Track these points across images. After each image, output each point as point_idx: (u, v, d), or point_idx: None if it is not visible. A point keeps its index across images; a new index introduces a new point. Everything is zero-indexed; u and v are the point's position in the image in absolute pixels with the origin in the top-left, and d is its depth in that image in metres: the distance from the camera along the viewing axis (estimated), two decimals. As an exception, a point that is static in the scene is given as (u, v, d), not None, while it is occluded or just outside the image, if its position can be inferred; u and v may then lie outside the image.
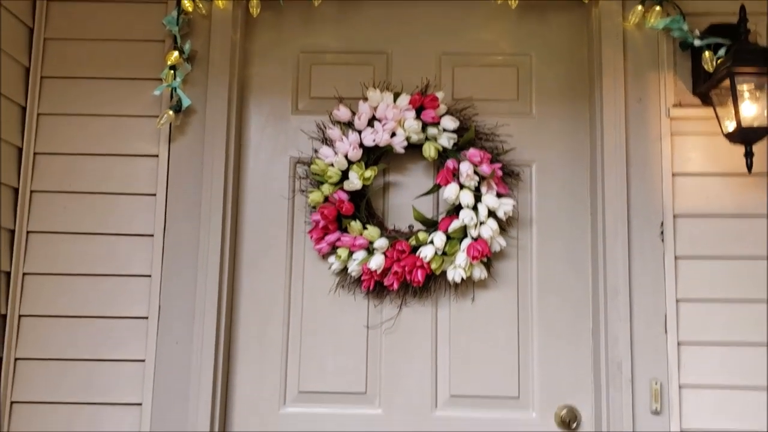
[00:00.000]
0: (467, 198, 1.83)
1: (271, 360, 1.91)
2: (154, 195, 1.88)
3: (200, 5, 1.90)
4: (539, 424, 1.86)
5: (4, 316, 1.84)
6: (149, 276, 1.86)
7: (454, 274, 1.85)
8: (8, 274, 1.85)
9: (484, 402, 1.88)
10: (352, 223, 1.86)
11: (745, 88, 1.70)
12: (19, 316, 1.84)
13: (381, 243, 1.84)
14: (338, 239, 1.87)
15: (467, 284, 1.91)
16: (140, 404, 1.81)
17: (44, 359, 1.83)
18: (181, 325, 1.83)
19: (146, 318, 1.84)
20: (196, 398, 1.80)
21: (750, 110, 1.69)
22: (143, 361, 1.83)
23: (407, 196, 1.94)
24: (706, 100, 1.83)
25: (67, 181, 1.89)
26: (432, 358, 1.90)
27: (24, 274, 1.86)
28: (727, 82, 1.70)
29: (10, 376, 1.82)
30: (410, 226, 1.91)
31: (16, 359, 1.83)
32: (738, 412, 1.77)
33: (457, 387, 1.89)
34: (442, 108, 1.88)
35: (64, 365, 1.83)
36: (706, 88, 1.80)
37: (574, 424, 1.85)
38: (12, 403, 1.82)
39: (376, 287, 1.89)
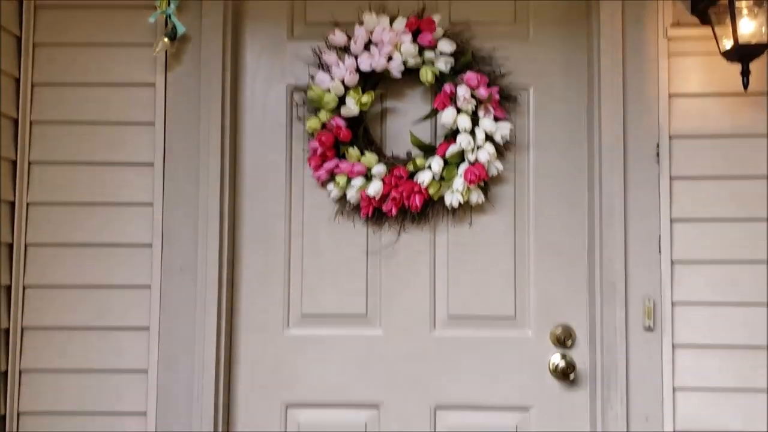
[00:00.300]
0: (464, 122, 1.83)
1: (274, 284, 1.95)
2: (153, 124, 1.89)
3: (192, -71, 1.88)
4: (535, 342, 1.92)
5: (11, 245, 1.88)
6: (151, 204, 1.88)
7: (452, 198, 1.87)
8: (12, 204, 1.88)
9: (481, 322, 1.94)
10: (350, 149, 1.87)
11: (743, 4, 1.68)
12: (25, 245, 1.88)
13: (379, 169, 1.86)
14: (336, 166, 1.89)
15: (465, 209, 1.94)
16: (147, 328, 1.87)
17: (53, 287, 1.87)
18: (184, 251, 1.87)
19: (150, 245, 1.88)
20: (202, 322, 1.86)
21: (748, 27, 1.68)
22: (149, 286, 1.87)
23: (405, 122, 1.95)
24: (705, 19, 1.81)
25: (67, 110, 1.90)
26: (430, 281, 1.95)
27: (28, 204, 1.89)
28: (725, -1, 1.69)
29: (20, 303, 1.87)
30: (408, 152, 1.93)
31: (24, 287, 1.88)
32: (731, 327, 1.82)
33: (455, 308, 1.94)
34: (439, 31, 1.87)
35: (73, 292, 1.87)
36: (704, 6, 1.78)
37: (569, 342, 1.91)
38: (23, 328, 1.87)
39: (375, 214, 1.92)
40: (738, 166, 1.83)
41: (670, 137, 1.84)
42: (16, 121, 1.89)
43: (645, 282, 1.83)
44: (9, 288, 1.87)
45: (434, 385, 1.92)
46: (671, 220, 1.83)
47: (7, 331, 1.86)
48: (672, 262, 1.83)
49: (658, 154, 1.84)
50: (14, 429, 1.84)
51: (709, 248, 1.83)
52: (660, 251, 1.83)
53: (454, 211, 1.93)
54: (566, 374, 1.88)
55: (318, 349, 1.95)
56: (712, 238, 1.83)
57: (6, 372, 1.85)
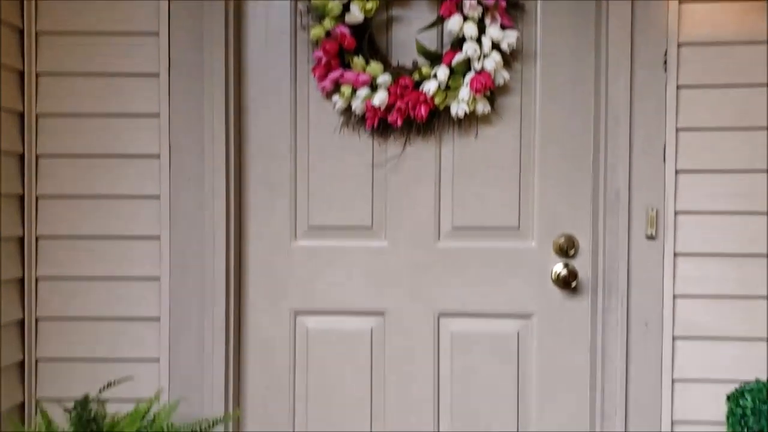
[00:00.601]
0: (471, 29, 1.81)
1: (281, 197, 1.98)
2: (157, 34, 1.88)
3: None
4: (538, 252, 1.95)
5: (22, 156, 1.91)
6: (157, 115, 1.90)
7: (458, 108, 1.87)
8: (21, 114, 1.90)
9: (485, 233, 1.96)
10: (355, 58, 1.86)
11: None
12: (36, 156, 1.91)
13: (384, 79, 1.85)
14: (341, 76, 1.88)
15: (470, 120, 1.93)
16: (158, 237, 1.91)
17: (64, 197, 1.91)
18: (191, 163, 1.89)
19: (158, 156, 1.90)
20: (211, 233, 1.90)
21: (763, -75, 1.64)
22: (158, 197, 1.91)
23: (410, 30, 1.92)
24: None
25: (71, 21, 1.89)
26: (435, 193, 1.97)
27: (37, 115, 1.91)
28: None
29: (33, 213, 1.91)
30: (414, 61, 1.91)
31: (37, 197, 1.92)
32: (732, 235, 1.83)
33: (460, 219, 1.96)
34: (445, -64, 1.83)
35: (83, 203, 1.91)
36: None
37: (572, 251, 1.93)
38: (37, 238, 1.92)
39: (380, 125, 1.92)
40: (747, 74, 1.81)
41: (678, 45, 1.82)
42: (21, 31, 1.89)
43: (648, 191, 1.84)
44: (22, 197, 1.91)
45: (438, 294, 1.97)
46: (677, 129, 1.83)
47: (22, 239, 1.91)
48: (676, 172, 1.83)
49: (665, 62, 1.82)
50: (33, 332, 1.92)
51: (714, 157, 1.83)
52: (665, 160, 1.83)
53: (459, 121, 1.93)
54: (568, 282, 1.92)
55: (325, 260, 1.99)
56: (717, 148, 1.83)
57: (23, 278, 1.91)
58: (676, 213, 1.84)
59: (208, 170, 1.89)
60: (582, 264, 1.94)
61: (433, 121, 1.92)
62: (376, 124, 1.90)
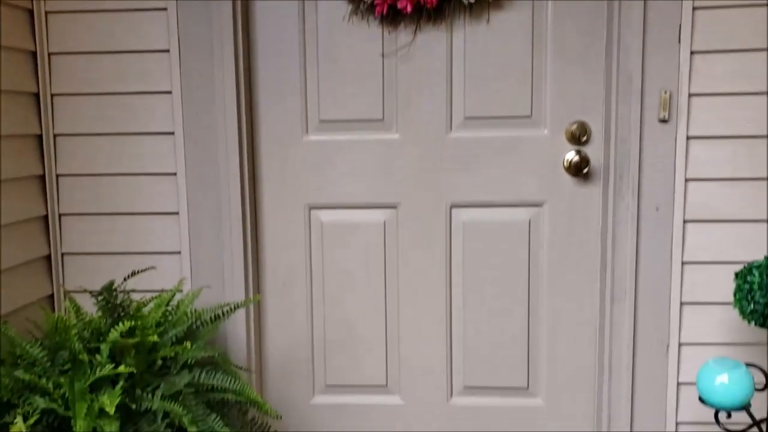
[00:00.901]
0: None
1: (291, 91, 1.98)
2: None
3: None
4: (550, 140, 1.95)
5: (34, 53, 1.92)
6: (165, 9, 1.88)
7: (468, -7, 1.84)
8: (30, 11, 1.90)
9: (497, 122, 1.96)
10: (363, -57, 1.82)
11: None
12: (49, 54, 1.92)
13: (393, -37, 1.82)
14: (349, -38, 1.85)
15: (482, 5, 1.90)
16: (173, 133, 1.93)
17: (80, 94, 1.94)
18: (202, 60, 1.88)
19: (167, 51, 1.90)
20: (224, 129, 1.91)
21: None
22: (170, 92, 1.91)
23: None
24: None
25: None
26: (447, 82, 1.95)
27: (50, 54, 1.91)
28: None
29: (50, 111, 1.94)
30: (422, -55, 1.87)
31: (53, 96, 1.94)
32: (746, 118, 1.81)
33: (472, 109, 1.95)
34: None
35: (100, 100, 1.93)
36: None
37: (584, 138, 1.93)
38: (55, 136, 1.95)
39: (390, 12, 1.89)
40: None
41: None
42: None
43: (662, 74, 1.81)
44: (38, 95, 1.93)
45: (450, 185, 1.99)
46: (693, 8, 1.78)
47: (40, 137, 1.95)
48: (691, 53, 1.80)
49: (683, -58, 1.76)
50: (57, 227, 1.98)
51: (730, 37, 1.79)
52: (680, 41, 1.80)
53: (471, 6, 1.89)
54: (580, 169, 1.92)
55: (336, 155, 2.00)
56: (734, 26, 1.78)
57: (43, 175, 1.96)
58: (690, 95, 1.82)
59: (218, 67, 1.89)
60: (594, 150, 1.94)
61: (443, 6, 1.89)
62: (385, 11, 1.87)
